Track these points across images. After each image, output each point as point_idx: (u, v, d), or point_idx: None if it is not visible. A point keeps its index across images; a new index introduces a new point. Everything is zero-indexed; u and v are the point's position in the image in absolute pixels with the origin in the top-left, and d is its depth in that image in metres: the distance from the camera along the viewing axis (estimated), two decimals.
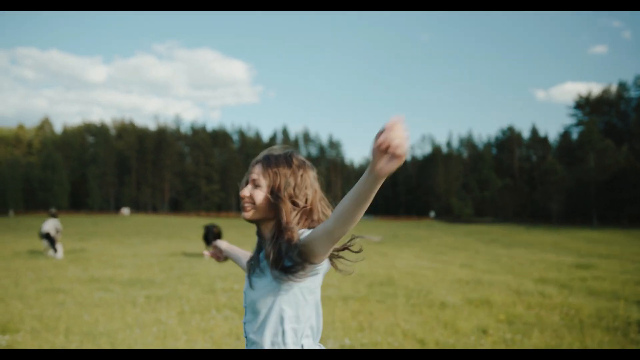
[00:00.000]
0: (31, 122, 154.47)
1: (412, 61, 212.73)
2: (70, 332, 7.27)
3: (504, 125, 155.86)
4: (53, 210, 22.64)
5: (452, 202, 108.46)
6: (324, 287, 11.78)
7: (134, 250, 22.08)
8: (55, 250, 18.68)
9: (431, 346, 6.64)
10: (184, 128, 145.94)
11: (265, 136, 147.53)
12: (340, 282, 12.66)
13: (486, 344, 6.78)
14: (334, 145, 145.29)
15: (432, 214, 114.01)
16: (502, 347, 6.65)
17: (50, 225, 19.37)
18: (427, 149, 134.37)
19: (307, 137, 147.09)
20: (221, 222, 71.43)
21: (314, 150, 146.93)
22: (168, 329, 7.49)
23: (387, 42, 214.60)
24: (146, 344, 6.66)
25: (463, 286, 12.17)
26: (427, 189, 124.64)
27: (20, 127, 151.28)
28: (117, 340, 6.84)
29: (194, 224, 59.07)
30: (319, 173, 2.49)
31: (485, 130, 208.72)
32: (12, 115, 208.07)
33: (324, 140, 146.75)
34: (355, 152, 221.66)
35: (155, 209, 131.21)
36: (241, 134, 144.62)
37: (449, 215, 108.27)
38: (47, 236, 18.95)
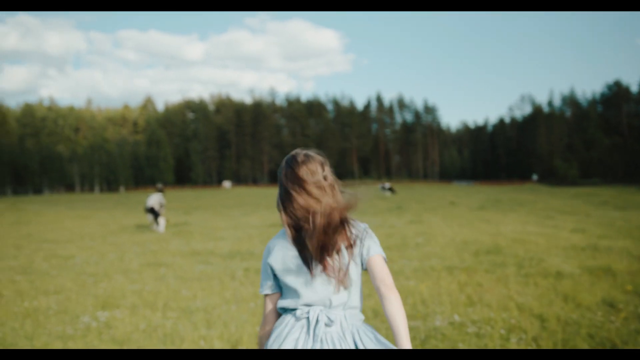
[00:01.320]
0: (135, 102, 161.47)
1: (506, 18, 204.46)
2: (168, 308, 7.19)
3: (610, 79, 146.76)
4: (160, 185, 23.27)
5: (556, 164, 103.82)
6: (427, 256, 11.28)
7: (235, 222, 22.30)
8: (158, 224, 19.14)
9: (552, 323, 5.98)
10: (279, 100, 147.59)
11: (360, 104, 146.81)
12: (444, 250, 12.10)
13: (617, 320, 6.06)
14: (430, 110, 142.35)
15: (535, 176, 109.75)
16: (638, 325, 5.91)
17: (154, 199, 19.85)
18: (527, 109, 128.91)
19: (401, 103, 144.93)
20: None
21: (409, 116, 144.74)
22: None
23: None
24: (241, 321, 6.43)
25: (579, 253, 11.29)
26: (528, 151, 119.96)
27: (126, 107, 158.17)
28: (212, 317, 6.67)
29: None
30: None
31: (589, 86, 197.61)
32: (117, 96, 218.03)
33: (419, 105, 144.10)
34: (452, 117, 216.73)
35: (255, 181, 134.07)
36: (335, 103, 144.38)
37: (552, 177, 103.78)
38: (151, 210, 19.46)
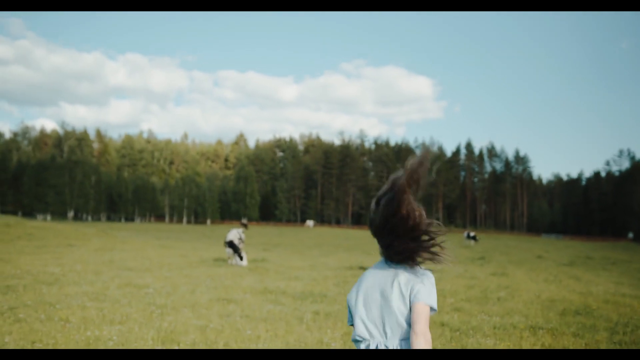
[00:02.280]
0: (228, 139, 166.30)
1: (606, 68, 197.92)
2: (228, 348, 6.91)
3: None
4: (245, 220, 23.52)
5: None
6: (509, 312, 10.56)
7: (312, 262, 22.02)
8: (241, 258, 19.26)
9: None
10: (368, 143, 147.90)
11: (449, 151, 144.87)
12: (527, 307, 11.30)
13: None
14: (520, 160, 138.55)
15: (630, 235, 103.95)
16: None
17: (234, 234, 19.99)
18: (625, 164, 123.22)
19: (492, 152, 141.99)
20: None
21: (499, 166, 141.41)
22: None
23: (578, 48, 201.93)
24: None
25: None
26: (624, 208, 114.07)
27: (219, 142, 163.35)
28: None
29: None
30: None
31: None
32: (212, 133, 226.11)
33: (510, 155, 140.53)
34: (543, 168, 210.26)
35: (338, 222, 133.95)
36: (424, 148, 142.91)
37: None
38: (230, 244, 19.55)
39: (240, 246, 19.92)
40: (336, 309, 10.28)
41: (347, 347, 7.30)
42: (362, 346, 2.66)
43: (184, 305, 10.11)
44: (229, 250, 19.79)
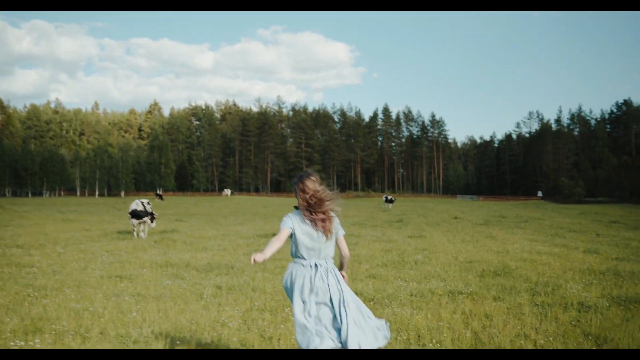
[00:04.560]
0: (143, 109, 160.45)
1: (516, 34, 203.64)
2: (103, 338, 5.86)
3: (619, 99, 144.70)
4: (160, 191, 22.36)
5: (562, 182, 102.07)
6: (427, 277, 9.97)
7: (225, 231, 20.99)
8: (152, 220, 18.66)
9: None
10: (286, 110, 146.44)
11: (367, 116, 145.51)
12: (446, 270, 10.75)
13: None
14: (436, 123, 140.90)
15: (540, 193, 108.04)
16: None
17: (137, 203, 18.96)
18: (535, 126, 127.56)
19: (408, 116, 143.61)
20: None
21: (415, 130, 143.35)
22: (222, 335, 5.94)
23: (489, 16, 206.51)
24: None
25: (598, 278, 9.93)
26: (534, 168, 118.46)
27: (132, 112, 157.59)
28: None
29: (294, 204, 58.27)
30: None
31: (599, 104, 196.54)
32: (126, 103, 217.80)
33: (426, 119, 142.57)
34: (458, 132, 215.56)
35: (257, 190, 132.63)
36: (342, 114, 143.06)
37: (557, 195, 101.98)
38: (133, 214, 18.43)
39: (145, 218, 18.80)
40: (241, 282, 9.36)
41: (246, 326, 6.40)
42: (304, 263, 4.26)
43: (68, 286, 8.92)
44: (134, 221, 18.55)
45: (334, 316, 4.10)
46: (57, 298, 7.90)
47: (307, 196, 4.24)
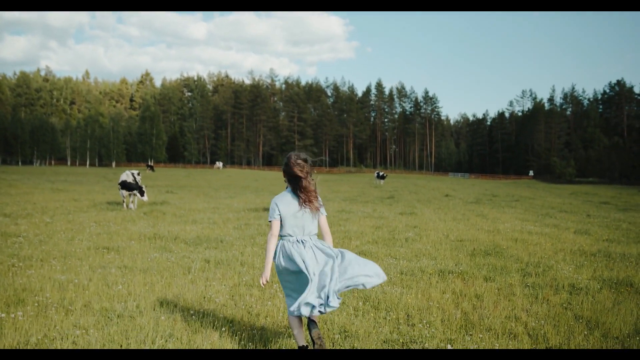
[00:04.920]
0: (134, 78, 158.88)
1: (510, 15, 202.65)
2: (87, 311, 5.74)
3: (612, 79, 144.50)
4: (151, 162, 22.20)
5: (553, 161, 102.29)
6: (417, 255, 9.90)
7: (216, 204, 20.87)
8: (142, 194, 18.58)
9: None
10: (279, 83, 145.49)
11: (360, 91, 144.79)
12: (436, 248, 10.68)
13: None
14: (429, 100, 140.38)
15: (531, 173, 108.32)
16: None
17: (127, 174, 18.88)
18: (528, 105, 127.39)
19: (401, 92, 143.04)
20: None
21: (408, 106, 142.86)
22: (208, 310, 5.84)
23: None
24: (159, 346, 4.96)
25: (589, 260, 9.88)
26: (526, 147, 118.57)
27: (123, 81, 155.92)
28: (131, 326, 5.21)
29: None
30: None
31: (591, 84, 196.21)
32: (118, 72, 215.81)
33: (420, 95, 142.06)
34: (451, 109, 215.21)
35: (249, 163, 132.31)
36: (335, 88, 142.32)
37: (548, 174, 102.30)
38: (123, 185, 18.32)
39: (137, 182, 18.71)
40: (230, 256, 9.26)
41: (233, 302, 6.30)
42: (291, 240, 4.59)
43: (53, 256, 8.80)
44: (123, 192, 18.43)
45: (318, 283, 4.40)
46: (42, 269, 7.77)
47: (290, 178, 4.61)
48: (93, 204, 19.49)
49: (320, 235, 4.89)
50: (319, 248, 4.57)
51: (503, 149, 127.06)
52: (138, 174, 19.63)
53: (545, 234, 13.77)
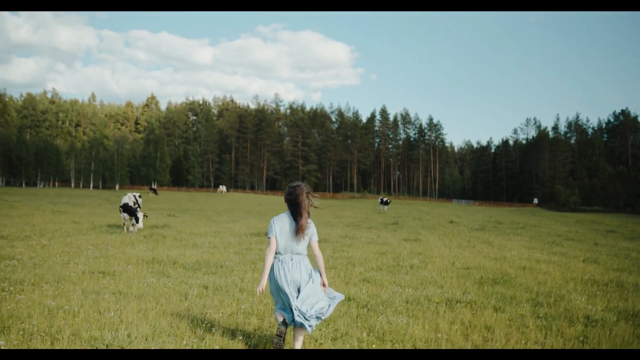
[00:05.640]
0: (140, 102, 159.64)
1: (515, 42, 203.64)
2: (75, 340, 5.42)
3: (617, 108, 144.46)
4: (154, 185, 21.90)
5: (558, 190, 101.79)
6: (423, 282, 9.57)
7: (217, 228, 20.56)
8: (137, 220, 17.87)
9: None
10: (284, 108, 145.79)
11: (364, 117, 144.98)
12: (443, 277, 10.33)
13: None
14: (433, 127, 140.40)
15: (535, 200, 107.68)
16: None
17: (129, 197, 18.67)
18: (532, 133, 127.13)
19: (406, 119, 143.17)
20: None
21: (412, 132, 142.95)
22: (205, 343, 5.51)
23: (489, 23, 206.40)
24: None
25: (602, 290, 9.54)
26: (530, 175, 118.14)
27: (129, 104, 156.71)
28: None
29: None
30: None
31: (596, 113, 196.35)
32: (123, 95, 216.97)
33: (424, 121, 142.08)
34: (455, 136, 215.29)
35: (253, 188, 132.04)
36: (340, 114, 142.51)
37: (553, 202, 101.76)
38: (125, 208, 18.02)
39: (135, 208, 18.36)
40: (229, 282, 8.94)
41: (230, 331, 5.97)
42: (280, 258, 5.31)
43: (46, 281, 8.49)
44: (124, 215, 18.17)
45: (296, 296, 5.25)
46: (32, 294, 7.47)
47: (291, 204, 5.39)
48: (93, 226, 19.22)
49: (311, 257, 5.58)
50: (300, 269, 5.27)
51: (507, 176, 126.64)
52: (139, 197, 19.41)
53: (553, 262, 13.42)
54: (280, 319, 5.25)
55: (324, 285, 5.42)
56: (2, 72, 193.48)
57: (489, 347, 5.67)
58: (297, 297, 5.18)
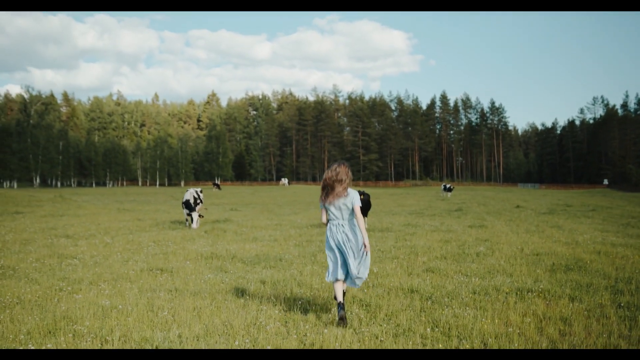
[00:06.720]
0: (201, 99, 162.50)
1: (578, 17, 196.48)
2: (125, 342, 5.23)
3: None
4: (218, 181, 21.98)
5: (630, 169, 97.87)
6: (491, 271, 9.04)
7: (279, 221, 20.43)
8: (192, 221, 17.61)
9: None
10: (342, 99, 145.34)
11: (424, 104, 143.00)
12: (512, 264, 9.78)
13: None
14: (496, 110, 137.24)
15: (606, 181, 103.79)
16: None
17: (191, 193, 18.66)
18: (599, 112, 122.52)
19: (467, 104, 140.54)
20: (378, 191, 69.55)
21: (474, 117, 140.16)
22: (256, 339, 5.24)
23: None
24: None
25: None
26: (599, 155, 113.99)
27: (190, 102, 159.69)
28: None
29: None
30: None
31: None
32: (185, 93, 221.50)
33: (485, 106, 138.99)
34: (519, 118, 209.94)
35: (314, 179, 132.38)
36: (399, 102, 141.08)
37: (624, 183, 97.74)
38: (187, 204, 17.96)
39: (197, 208, 18.34)
40: (287, 276, 8.68)
41: (285, 329, 5.68)
42: (334, 222, 6.28)
43: (104, 279, 8.43)
44: (187, 211, 18.18)
45: (344, 258, 6.17)
46: (89, 293, 7.39)
47: (325, 181, 6.36)
48: (155, 223, 19.39)
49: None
50: (346, 235, 6.20)
51: (574, 157, 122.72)
52: (200, 192, 19.46)
53: (630, 246, 12.61)
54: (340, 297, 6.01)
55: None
56: (70, 78, 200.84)
57: (567, 342, 5.18)
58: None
